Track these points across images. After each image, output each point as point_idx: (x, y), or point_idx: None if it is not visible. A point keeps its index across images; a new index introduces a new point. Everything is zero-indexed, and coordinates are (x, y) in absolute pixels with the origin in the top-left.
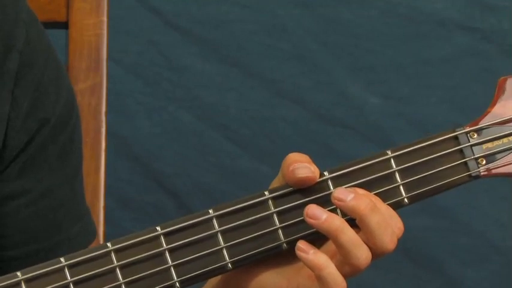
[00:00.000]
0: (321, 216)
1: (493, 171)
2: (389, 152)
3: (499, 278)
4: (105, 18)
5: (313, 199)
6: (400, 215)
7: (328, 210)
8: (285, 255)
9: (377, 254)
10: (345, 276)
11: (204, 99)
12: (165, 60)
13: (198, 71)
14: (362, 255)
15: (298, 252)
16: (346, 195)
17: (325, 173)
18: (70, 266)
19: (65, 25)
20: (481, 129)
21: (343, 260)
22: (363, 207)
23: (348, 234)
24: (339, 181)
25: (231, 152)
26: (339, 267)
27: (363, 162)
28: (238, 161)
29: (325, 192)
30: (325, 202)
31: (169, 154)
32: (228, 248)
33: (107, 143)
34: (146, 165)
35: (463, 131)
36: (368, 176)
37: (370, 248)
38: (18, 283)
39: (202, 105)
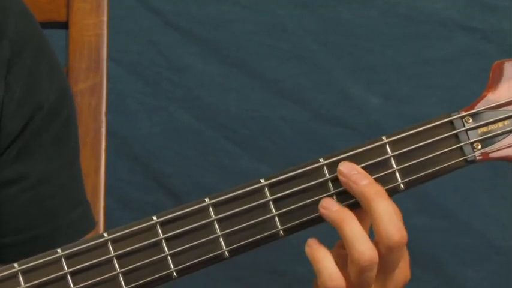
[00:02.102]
0: (332, 207)
1: (489, 155)
2: (384, 138)
3: (499, 278)
4: (105, 18)
5: (309, 186)
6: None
7: (324, 196)
8: None
9: (383, 246)
10: (352, 278)
11: (204, 99)
12: (165, 60)
13: (198, 71)
14: (365, 250)
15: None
16: (350, 168)
17: (321, 160)
18: (67, 257)
19: (65, 25)
20: (476, 113)
21: (348, 257)
22: (373, 191)
23: (353, 225)
24: (334, 168)
25: (231, 152)
26: (344, 266)
27: (359, 149)
28: (238, 161)
29: (321, 179)
30: (321, 188)
31: (169, 154)
32: (224, 236)
33: (107, 143)
34: (146, 165)
35: (458, 115)
36: (364, 162)
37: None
38: (15, 274)
39: (202, 105)
